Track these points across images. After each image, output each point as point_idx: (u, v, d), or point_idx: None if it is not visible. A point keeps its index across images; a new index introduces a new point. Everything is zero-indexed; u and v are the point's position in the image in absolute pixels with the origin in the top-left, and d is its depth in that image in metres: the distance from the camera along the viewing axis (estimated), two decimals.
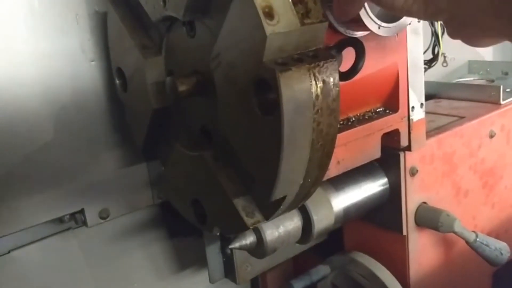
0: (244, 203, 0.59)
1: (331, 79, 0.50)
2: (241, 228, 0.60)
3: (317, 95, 0.49)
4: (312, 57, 0.49)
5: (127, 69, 0.76)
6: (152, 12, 0.65)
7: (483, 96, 1.15)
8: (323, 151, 0.54)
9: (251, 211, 0.60)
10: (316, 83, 0.49)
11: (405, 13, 0.51)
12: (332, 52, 0.59)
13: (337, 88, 0.51)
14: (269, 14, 0.46)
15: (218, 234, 0.78)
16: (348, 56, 0.60)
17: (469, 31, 0.49)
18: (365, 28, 0.62)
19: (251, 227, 0.59)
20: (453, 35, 0.51)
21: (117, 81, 0.79)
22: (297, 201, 0.60)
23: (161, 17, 0.63)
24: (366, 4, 0.61)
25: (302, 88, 0.48)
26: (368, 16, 0.61)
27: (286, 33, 0.47)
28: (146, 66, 0.69)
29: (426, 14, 0.49)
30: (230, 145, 0.58)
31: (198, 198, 0.67)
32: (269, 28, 0.46)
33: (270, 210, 0.59)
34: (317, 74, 0.49)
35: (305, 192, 0.58)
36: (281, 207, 0.58)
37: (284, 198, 0.56)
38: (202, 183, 0.65)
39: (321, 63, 0.49)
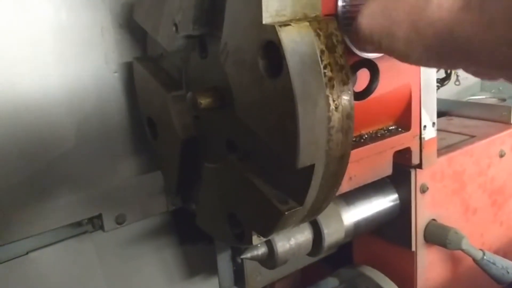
0: (275, 192, 0.59)
1: (334, 36, 0.51)
2: (277, 218, 0.58)
3: (322, 50, 0.50)
4: (312, 18, 0.51)
5: (155, 112, 0.79)
6: (167, 43, 0.68)
7: (494, 115, 1.16)
8: (342, 113, 0.53)
9: (283, 199, 0.59)
10: (319, 38, 0.50)
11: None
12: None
13: (342, 45, 0.51)
14: None
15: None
16: (362, 76, 0.62)
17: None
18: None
19: (286, 213, 0.57)
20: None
21: (148, 129, 0.82)
22: (327, 177, 0.56)
23: (177, 45, 0.66)
24: None
25: (305, 41, 0.49)
26: None
27: None
28: (169, 100, 0.72)
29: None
30: (252, 136, 0.57)
31: (232, 210, 0.67)
32: None
33: (301, 192, 0.57)
34: (318, 30, 0.50)
35: (334, 165, 0.56)
36: (312, 182, 0.55)
37: (312, 168, 0.54)
38: (233, 188, 0.66)
39: (321, 20, 0.51)
